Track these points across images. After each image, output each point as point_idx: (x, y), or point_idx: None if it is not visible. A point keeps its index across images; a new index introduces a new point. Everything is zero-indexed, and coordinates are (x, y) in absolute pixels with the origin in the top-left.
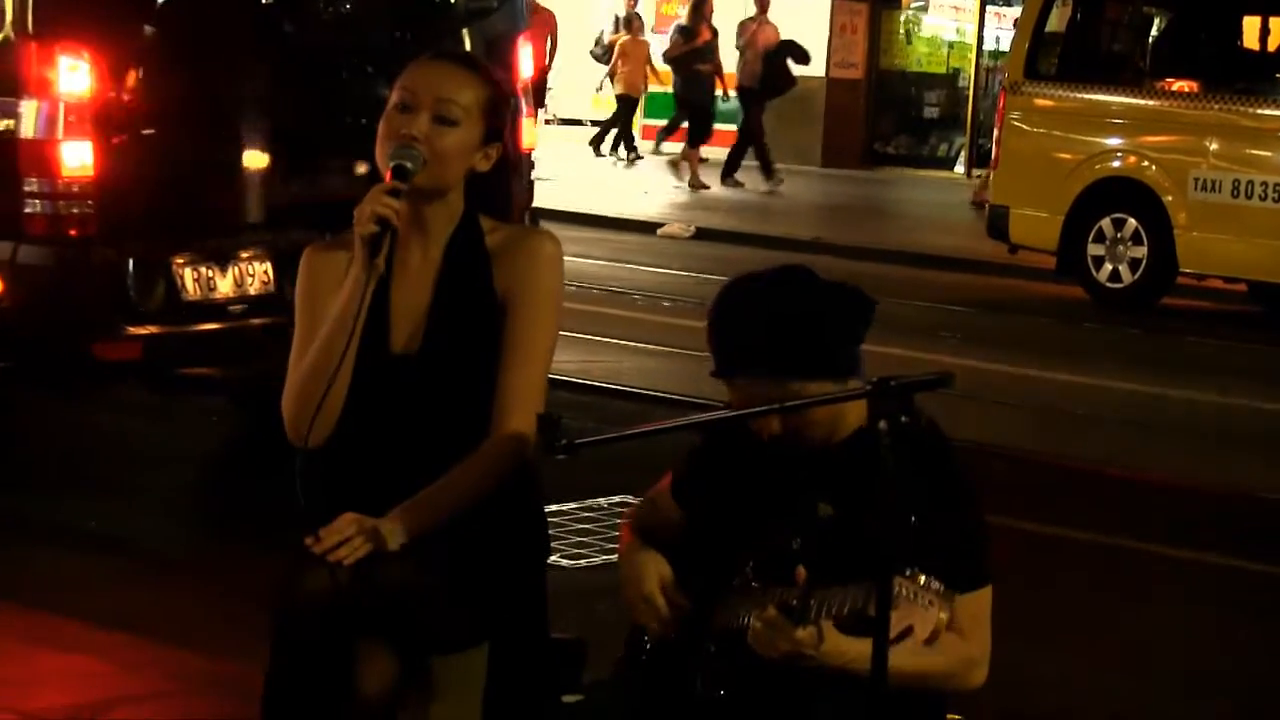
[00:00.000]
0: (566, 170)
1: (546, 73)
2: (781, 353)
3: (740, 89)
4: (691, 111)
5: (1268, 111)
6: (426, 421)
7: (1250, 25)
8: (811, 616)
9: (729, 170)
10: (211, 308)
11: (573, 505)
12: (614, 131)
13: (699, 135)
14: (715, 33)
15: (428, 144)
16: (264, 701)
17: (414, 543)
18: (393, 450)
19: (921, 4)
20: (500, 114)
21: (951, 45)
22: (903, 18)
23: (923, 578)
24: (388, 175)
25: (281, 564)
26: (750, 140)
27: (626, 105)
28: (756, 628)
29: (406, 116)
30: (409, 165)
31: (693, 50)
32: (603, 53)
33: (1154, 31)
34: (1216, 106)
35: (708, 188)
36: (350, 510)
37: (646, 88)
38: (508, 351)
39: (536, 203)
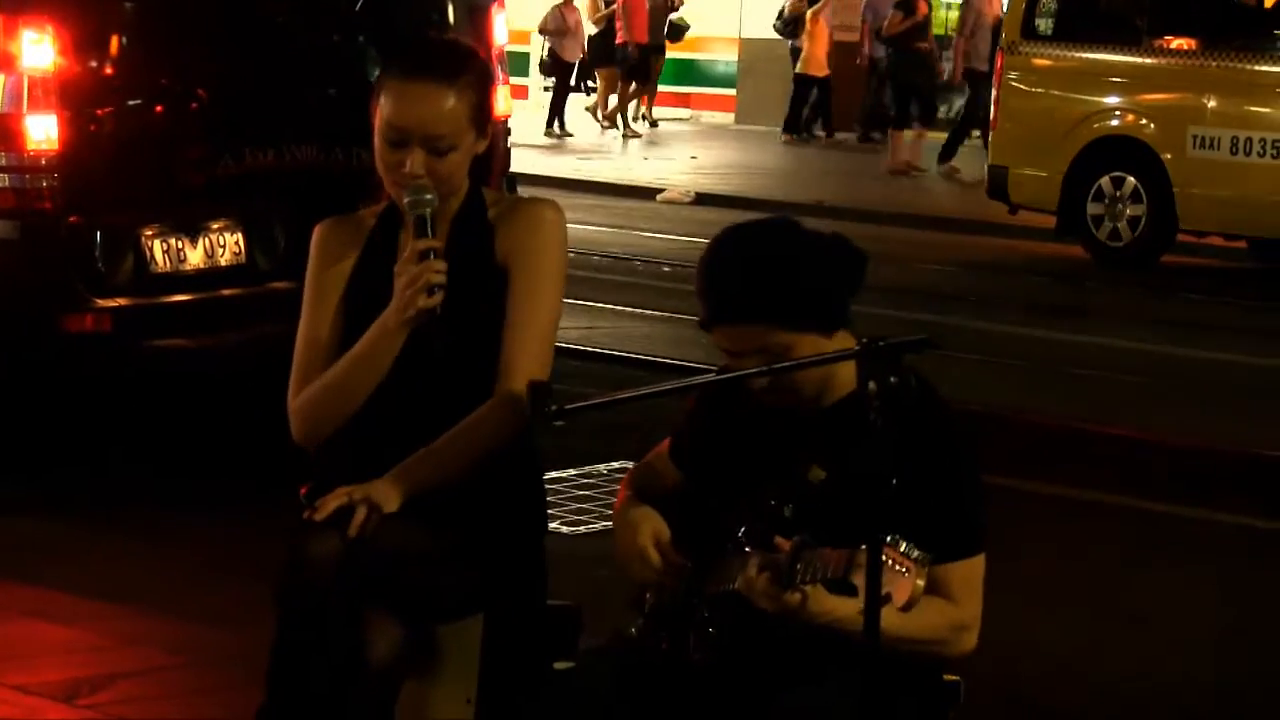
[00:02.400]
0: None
1: (645, 45)
2: (766, 299)
3: (969, 71)
4: (913, 92)
5: (1266, 68)
6: (431, 394)
7: None
8: (797, 581)
9: (948, 153)
10: (181, 279)
11: (572, 472)
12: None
13: (926, 117)
14: (931, 7)
15: (430, 175)
16: (270, 671)
17: (414, 510)
18: (398, 423)
19: None
20: (486, 102)
21: (950, 6)
22: None
23: (903, 544)
24: (406, 217)
25: (281, 538)
26: (975, 123)
27: (807, 86)
28: (743, 587)
29: (400, 152)
30: (428, 212)
31: (913, 26)
32: (784, 26)
33: None
34: (1215, 63)
35: (923, 170)
36: (358, 479)
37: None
38: (509, 316)
39: (563, 170)
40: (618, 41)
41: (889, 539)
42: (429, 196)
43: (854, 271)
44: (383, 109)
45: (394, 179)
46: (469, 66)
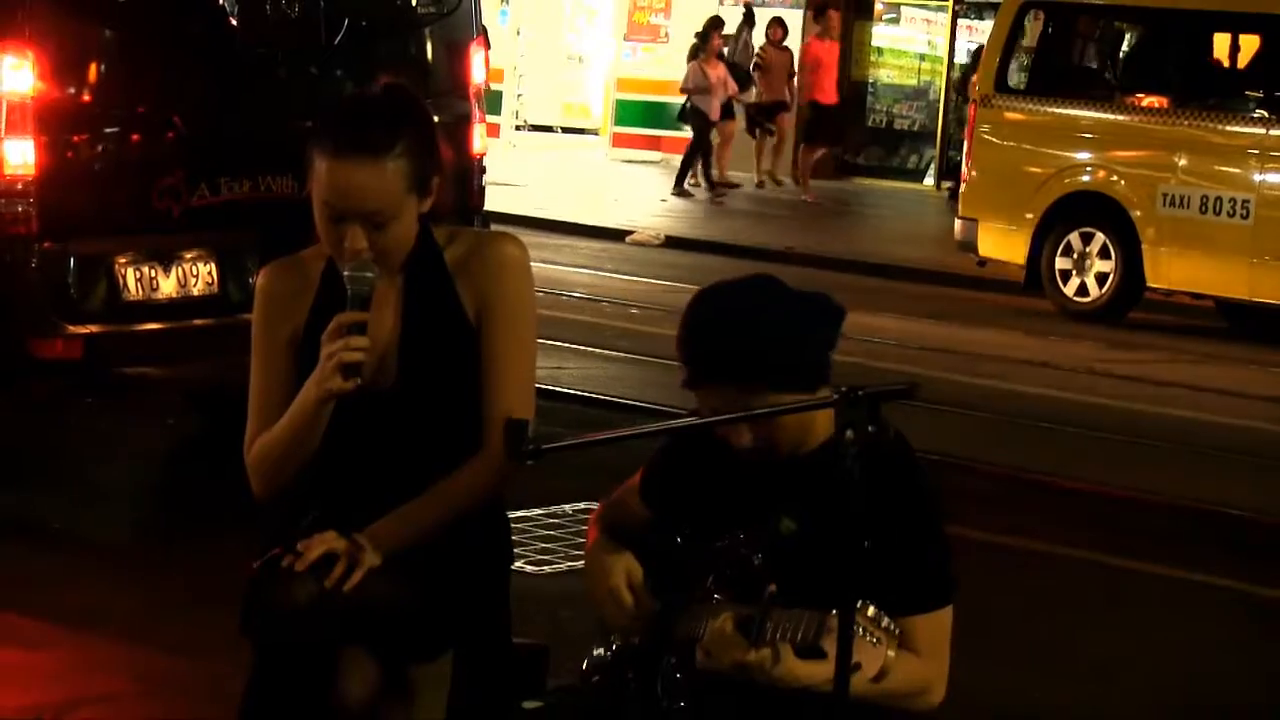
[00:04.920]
0: (537, 176)
1: (835, 106)
2: (750, 364)
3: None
4: None
5: (1237, 128)
6: (408, 451)
7: (1220, 41)
8: (767, 638)
9: None
10: (153, 307)
11: (538, 511)
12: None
13: None
14: None
15: (373, 248)
16: (243, 710)
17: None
18: (375, 479)
19: (893, 16)
20: (427, 162)
21: (922, 58)
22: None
23: (871, 610)
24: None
25: (245, 566)
26: None
27: None
28: (712, 635)
29: (341, 227)
30: (367, 290)
31: None
32: (965, 86)
33: (1125, 47)
34: (1186, 122)
35: None
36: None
37: None
38: (490, 367)
39: (533, 210)
40: (807, 97)
41: (859, 604)
42: (370, 275)
43: (833, 328)
44: (315, 184)
45: (336, 253)
46: (403, 131)
